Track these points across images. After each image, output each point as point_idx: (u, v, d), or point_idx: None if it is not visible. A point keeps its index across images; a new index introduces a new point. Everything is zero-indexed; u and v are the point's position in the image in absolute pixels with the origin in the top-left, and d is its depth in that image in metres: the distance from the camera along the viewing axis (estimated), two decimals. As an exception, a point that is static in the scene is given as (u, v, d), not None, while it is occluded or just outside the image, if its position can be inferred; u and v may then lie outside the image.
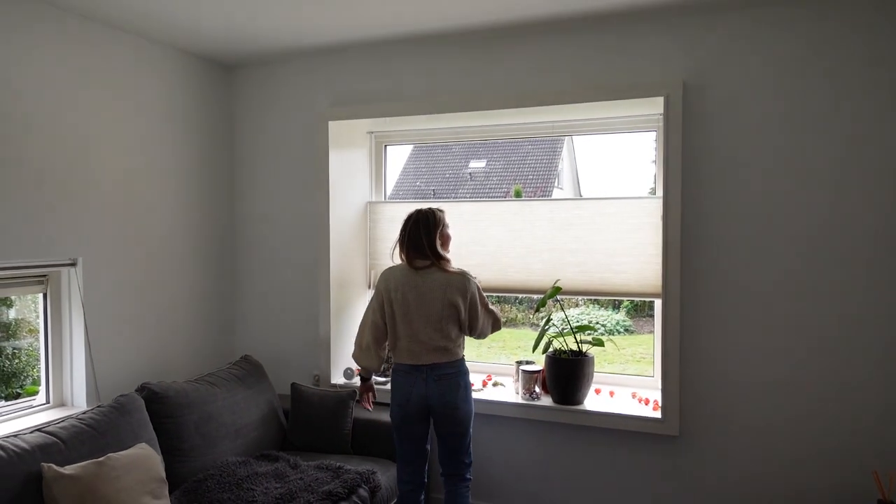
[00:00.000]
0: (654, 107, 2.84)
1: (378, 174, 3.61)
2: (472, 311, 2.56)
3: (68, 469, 2.01)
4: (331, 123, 3.28)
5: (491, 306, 2.63)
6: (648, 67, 2.76)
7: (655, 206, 2.91)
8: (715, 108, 2.67)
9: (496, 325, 2.65)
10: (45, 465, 2.00)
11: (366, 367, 2.68)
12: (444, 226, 2.63)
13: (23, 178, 2.47)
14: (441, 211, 2.64)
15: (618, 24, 2.78)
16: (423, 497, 2.68)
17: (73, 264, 2.69)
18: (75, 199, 2.68)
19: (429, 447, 2.67)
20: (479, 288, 2.60)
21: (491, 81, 3.01)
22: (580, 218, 3.07)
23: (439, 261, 2.55)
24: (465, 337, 2.63)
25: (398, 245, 2.63)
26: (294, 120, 3.42)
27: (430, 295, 2.51)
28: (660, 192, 2.88)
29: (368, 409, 2.81)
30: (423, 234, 2.55)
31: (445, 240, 2.63)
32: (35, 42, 2.50)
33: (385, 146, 3.62)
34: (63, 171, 2.62)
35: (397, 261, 2.66)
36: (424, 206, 2.69)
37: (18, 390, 2.84)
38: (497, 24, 2.82)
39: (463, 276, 2.55)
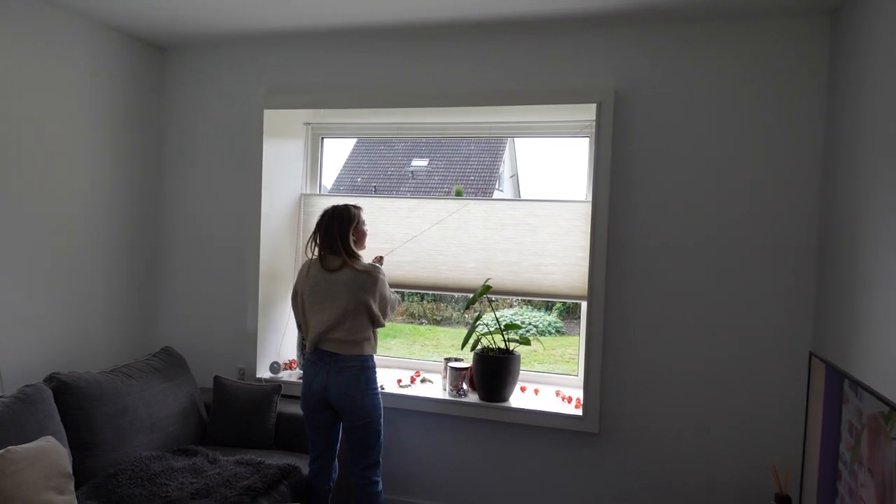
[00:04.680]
0: (589, 113, 2.91)
1: (314, 166, 3.56)
2: (381, 305, 2.60)
3: (-39, 462, 1.89)
4: (266, 112, 3.21)
5: (391, 294, 2.68)
6: (583, 75, 2.83)
7: (586, 210, 3.00)
8: (644, 116, 2.76)
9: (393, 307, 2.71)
10: (-66, 458, 1.87)
11: None
12: (360, 222, 2.64)
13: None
14: (357, 207, 2.65)
15: (555, 30, 2.84)
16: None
17: (-21, 246, 2.54)
18: (-17, 177, 2.53)
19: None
20: (385, 282, 2.63)
21: (429, 79, 3.02)
22: (513, 219, 3.12)
23: (350, 258, 2.55)
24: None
25: (311, 240, 2.64)
26: (228, 106, 3.33)
27: (337, 292, 2.53)
28: (590, 197, 2.96)
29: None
30: (336, 232, 2.56)
31: (360, 237, 2.65)
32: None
33: (322, 138, 3.57)
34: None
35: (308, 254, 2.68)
36: (342, 201, 2.68)
37: (-88, 379, 2.65)
38: (437, 22, 2.83)
39: (370, 275, 2.55)
